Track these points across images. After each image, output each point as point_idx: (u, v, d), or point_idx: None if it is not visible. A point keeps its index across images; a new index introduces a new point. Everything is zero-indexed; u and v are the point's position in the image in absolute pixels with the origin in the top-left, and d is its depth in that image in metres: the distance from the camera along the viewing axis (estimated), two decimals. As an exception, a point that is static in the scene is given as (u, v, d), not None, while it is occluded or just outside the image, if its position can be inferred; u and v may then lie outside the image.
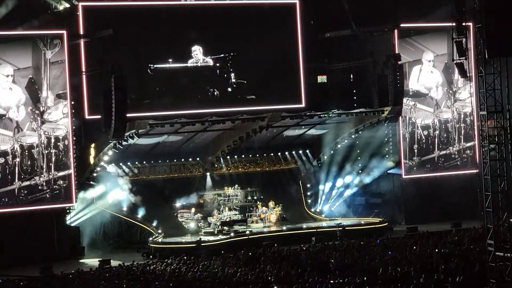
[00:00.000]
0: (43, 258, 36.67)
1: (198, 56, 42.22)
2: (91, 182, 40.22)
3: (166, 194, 42.67)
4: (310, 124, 43.45)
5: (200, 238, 38.49)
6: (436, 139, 45.55)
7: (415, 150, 45.06)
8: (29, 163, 37.84)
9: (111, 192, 40.60)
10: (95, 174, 40.08)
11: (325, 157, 45.67)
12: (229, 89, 42.78)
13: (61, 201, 38.53)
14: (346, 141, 44.79)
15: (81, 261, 38.13)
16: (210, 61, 42.48)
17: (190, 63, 42.18)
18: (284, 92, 43.57)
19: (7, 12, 37.21)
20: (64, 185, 38.42)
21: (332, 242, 36.55)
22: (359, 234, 38.86)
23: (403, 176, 44.91)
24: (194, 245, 37.56)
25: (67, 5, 38.99)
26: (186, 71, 41.87)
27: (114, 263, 34.98)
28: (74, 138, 38.83)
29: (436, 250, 31.38)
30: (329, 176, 45.45)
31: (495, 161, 32.77)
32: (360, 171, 45.56)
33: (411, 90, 44.67)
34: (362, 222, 42.65)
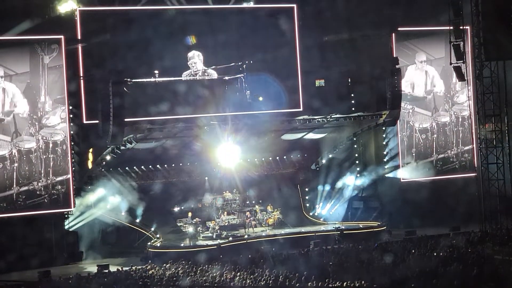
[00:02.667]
0: (41, 263, 36.70)
1: (197, 65, 41.83)
2: (89, 187, 40.22)
3: (164, 198, 42.60)
4: (308, 128, 43.42)
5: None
6: (434, 143, 45.59)
7: (413, 154, 45.09)
8: (27, 168, 37.84)
9: (110, 197, 40.60)
10: (93, 179, 40.05)
11: (324, 160, 45.68)
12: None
13: (59, 206, 38.51)
14: (344, 145, 44.80)
15: (79, 266, 38.11)
16: (213, 73, 42.07)
17: (186, 75, 41.86)
18: (282, 96, 43.51)
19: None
20: (63, 190, 38.42)
21: (331, 246, 36.53)
22: (357, 238, 38.84)
23: (401, 180, 44.93)
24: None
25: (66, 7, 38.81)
26: (180, 85, 41.16)
27: (112, 267, 34.97)
28: (72, 143, 38.86)
29: (435, 254, 31.36)
30: (327, 179, 45.44)
31: (493, 164, 32.85)
32: (358, 175, 45.57)
33: (409, 94, 44.74)
34: (361, 226, 42.62)
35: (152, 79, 40.14)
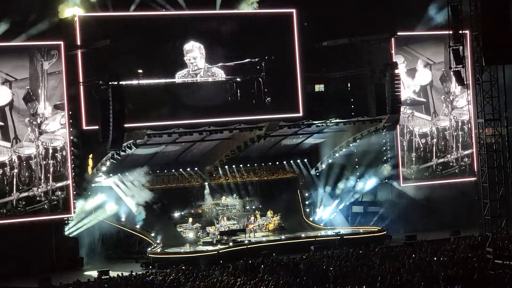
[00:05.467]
0: (41, 269, 36.65)
1: (197, 62, 41.43)
2: (89, 193, 40.18)
3: (165, 204, 42.59)
4: (308, 133, 43.42)
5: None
6: (434, 147, 45.59)
7: (413, 159, 45.09)
8: (27, 174, 37.82)
9: (110, 203, 40.57)
10: (93, 185, 40.05)
11: (323, 165, 45.67)
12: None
13: (59, 212, 38.49)
14: (344, 149, 44.77)
15: (80, 271, 38.04)
16: (220, 73, 41.38)
17: (181, 75, 41.67)
18: (282, 101, 43.49)
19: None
20: (62, 196, 38.40)
21: (331, 251, 36.51)
22: (357, 242, 38.79)
23: (401, 185, 44.93)
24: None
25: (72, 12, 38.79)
26: (182, 87, 40.90)
27: (112, 273, 34.92)
28: (72, 149, 38.85)
29: (435, 258, 31.36)
30: (327, 184, 45.43)
31: (493, 168, 32.75)
32: (358, 180, 45.55)
33: (408, 99, 44.77)
34: (361, 231, 42.63)
35: (135, 82, 38.97)
